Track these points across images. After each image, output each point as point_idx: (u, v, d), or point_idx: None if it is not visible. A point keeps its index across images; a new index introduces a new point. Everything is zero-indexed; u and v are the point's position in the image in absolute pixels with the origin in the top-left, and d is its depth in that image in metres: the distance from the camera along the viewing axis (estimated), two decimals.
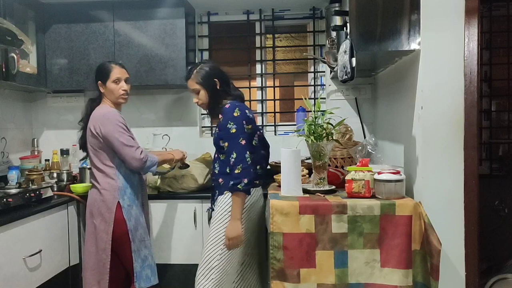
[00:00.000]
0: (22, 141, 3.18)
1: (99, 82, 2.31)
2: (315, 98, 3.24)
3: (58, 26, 2.96)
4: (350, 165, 2.23)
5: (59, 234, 2.49)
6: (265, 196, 2.26)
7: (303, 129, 2.10)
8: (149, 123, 3.25)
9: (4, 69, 2.49)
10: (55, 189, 2.70)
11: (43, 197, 2.44)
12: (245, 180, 2.07)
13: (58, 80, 2.97)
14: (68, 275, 2.57)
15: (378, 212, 1.85)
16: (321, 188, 2.08)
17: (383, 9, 1.92)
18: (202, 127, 3.35)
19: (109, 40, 2.92)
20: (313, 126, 2.07)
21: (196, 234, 2.66)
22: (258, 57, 3.30)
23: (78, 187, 2.66)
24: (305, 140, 2.10)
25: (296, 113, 3.18)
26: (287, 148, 2.09)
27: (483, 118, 3.14)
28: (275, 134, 3.29)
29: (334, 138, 2.17)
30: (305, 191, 2.08)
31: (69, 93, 3.22)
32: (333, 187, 2.12)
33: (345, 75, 2.01)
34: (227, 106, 2.18)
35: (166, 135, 3.17)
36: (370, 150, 2.38)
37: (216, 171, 2.25)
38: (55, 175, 2.93)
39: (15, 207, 2.23)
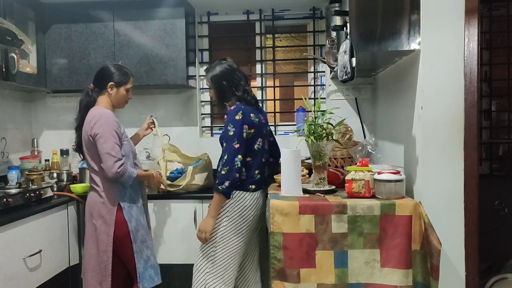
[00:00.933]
0: (22, 141, 3.18)
1: (112, 83, 2.26)
2: (315, 98, 3.24)
3: (58, 26, 2.96)
4: (350, 165, 2.23)
5: (59, 234, 2.49)
6: (266, 196, 2.26)
7: (303, 129, 2.10)
8: None
9: (4, 69, 2.49)
10: (55, 189, 2.70)
11: (43, 197, 2.44)
12: (227, 183, 2.11)
13: (58, 80, 2.97)
14: (68, 275, 2.57)
15: (378, 212, 1.85)
16: (321, 188, 2.08)
17: (383, 9, 1.92)
18: (202, 127, 3.35)
19: (109, 40, 2.92)
20: (313, 126, 2.06)
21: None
22: (258, 57, 3.31)
23: (78, 187, 2.66)
24: (305, 140, 2.09)
25: (296, 113, 3.19)
26: (287, 148, 2.10)
27: (483, 118, 3.14)
28: (275, 134, 3.28)
29: (334, 138, 2.17)
30: (305, 191, 2.08)
31: (69, 93, 3.22)
32: (333, 187, 2.12)
33: (345, 75, 2.01)
34: (232, 108, 2.20)
35: (166, 135, 3.17)
36: (370, 150, 2.37)
37: (219, 169, 2.25)
38: (55, 175, 2.93)
39: (15, 207, 2.23)
